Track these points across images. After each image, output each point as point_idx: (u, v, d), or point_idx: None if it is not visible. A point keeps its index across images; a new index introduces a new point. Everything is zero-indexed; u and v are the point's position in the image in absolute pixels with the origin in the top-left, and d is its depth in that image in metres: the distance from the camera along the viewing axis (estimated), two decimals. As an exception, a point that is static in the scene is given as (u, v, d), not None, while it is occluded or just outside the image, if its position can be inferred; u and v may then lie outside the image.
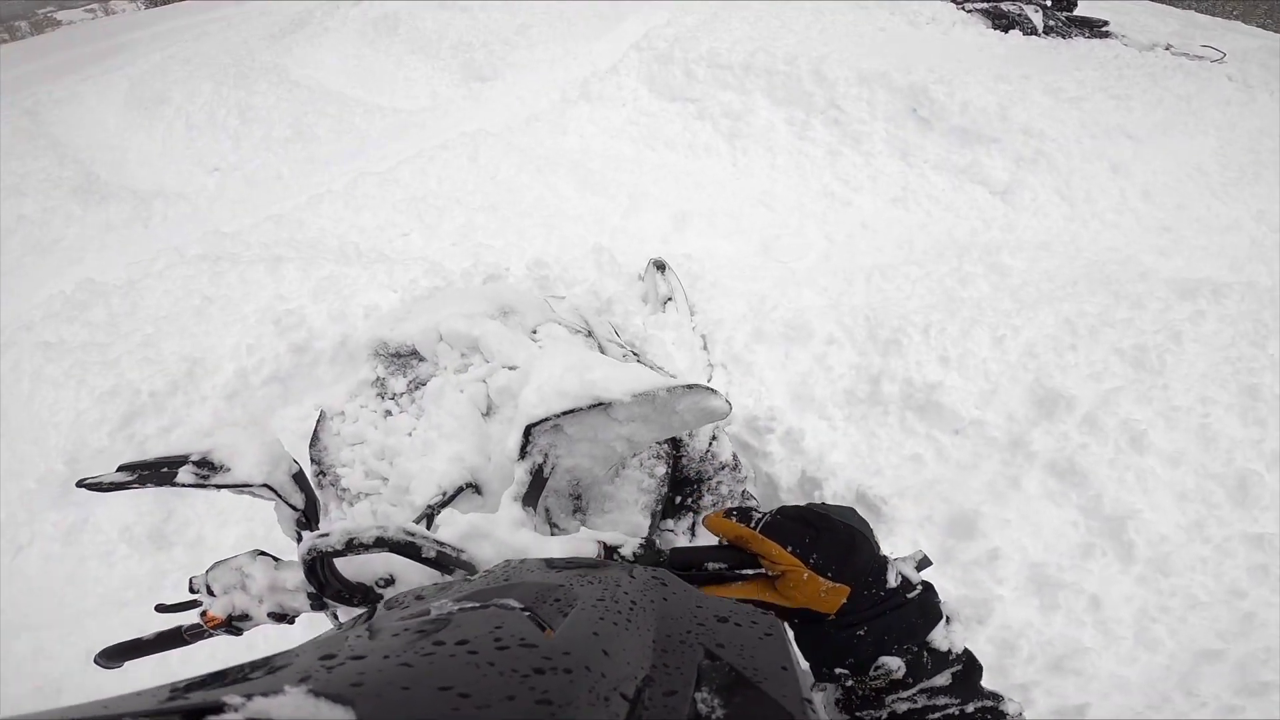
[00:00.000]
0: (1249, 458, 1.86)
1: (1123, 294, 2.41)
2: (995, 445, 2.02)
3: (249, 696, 0.23)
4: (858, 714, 0.61)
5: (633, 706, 0.31)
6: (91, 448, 2.54)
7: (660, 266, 2.74)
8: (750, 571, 0.63)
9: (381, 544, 0.61)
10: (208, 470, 0.74)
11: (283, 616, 0.86)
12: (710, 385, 0.68)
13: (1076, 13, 5.66)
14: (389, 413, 1.07)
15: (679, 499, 1.14)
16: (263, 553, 0.82)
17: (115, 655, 0.84)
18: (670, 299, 2.64)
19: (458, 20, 6.05)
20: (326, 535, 0.63)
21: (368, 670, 0.28)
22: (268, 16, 7.30)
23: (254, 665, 0.32)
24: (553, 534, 0.77)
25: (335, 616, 1.02)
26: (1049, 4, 5.59)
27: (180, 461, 0.75)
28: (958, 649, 0.60)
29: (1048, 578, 1.71)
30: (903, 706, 0.59)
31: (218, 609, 0.83)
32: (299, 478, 0.79)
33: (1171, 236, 3.32)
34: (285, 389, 2.62)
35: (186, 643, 0.86)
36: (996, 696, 0.60)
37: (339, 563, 0.71)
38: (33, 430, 2.66)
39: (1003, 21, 5.36)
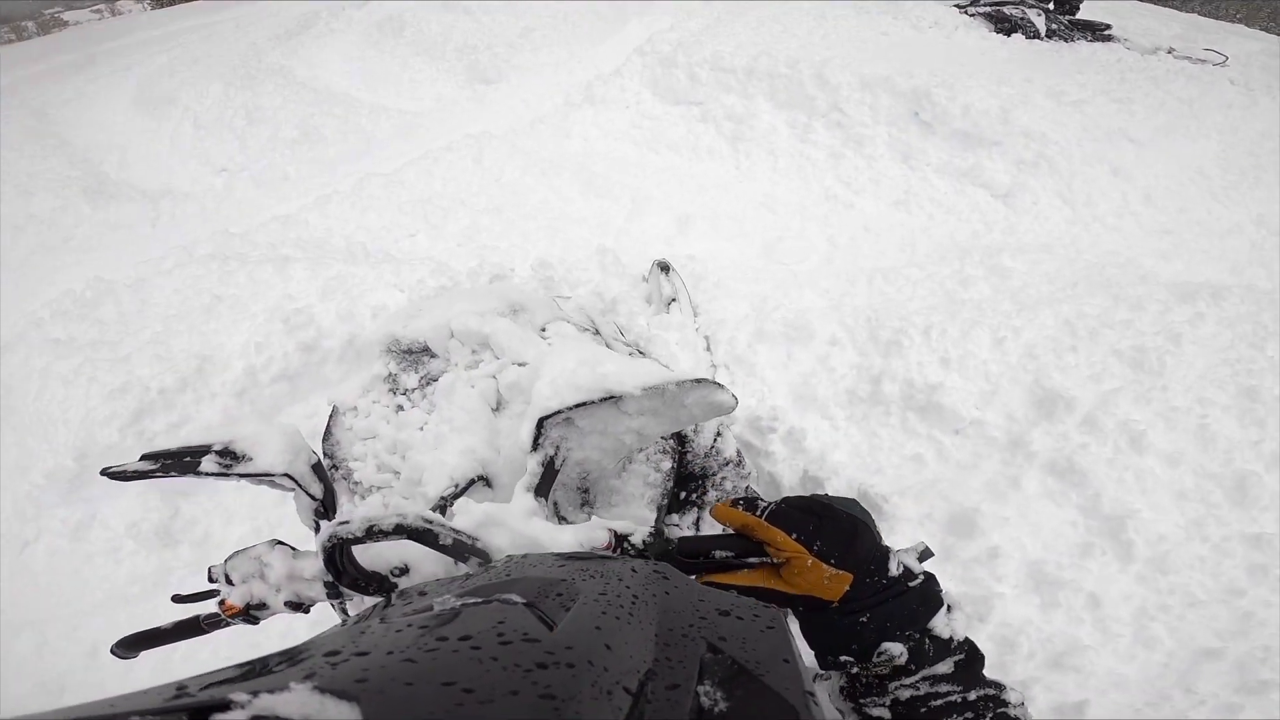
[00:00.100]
0: (1247, 458, 1.88)
1: (1123, 296, 2.43)
2: (995, 445, 2.04)
3: (254, 693, 0.23)
4: (861, 701, 0.62)
5: (636, 700, 0.31)
6: (101, 444, 2.56)
7: (664, 268, 2.76)
8: (755, 560, 0.65)
9: (400, 531, 0.63)
10: (230, 460, 0.76)
11: (299, 605, 0.87)
12: (716, 380, 0.70)
13: (1079, 16, 5.68)
14: (401, 408, 1.10)
15: (683, 494, 1.16)
16: (280, 542, 0.84)
17: (132, 645, 0.84)
18: (674, 300, 2.66)
19: (462, 23, 6.09)
20: (347, 523, 0.65)
21: (372, 666, 0.28)
22: (274, 18, 7.35)
23: (278, 657, 0.33)
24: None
25: (344, 611, 1.04)
26: (1051, 8, 5.61)
27: (203, 451, 0.77)
28: (959, 637, 0.62)
29: (1047, 575, 1.73)
30: (905, 694, 0.60)
31: (236, 598, 0.85)
32: (318, 468, 0.81)
33: (1172, 240, 3.34)
34: (293, 386, 2.65)
35: (204, 631, 0.88)
36: (998, 686, 0.61)
37: (355, 552, 0.73)
38: (41, 426, 2.68)
39: (1005, 25, 5.38)
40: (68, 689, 2.03)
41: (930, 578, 0.64)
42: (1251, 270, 3.09)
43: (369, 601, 0.80)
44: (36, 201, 4.47)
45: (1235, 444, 1.91)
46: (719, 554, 0.65)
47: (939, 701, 0.59)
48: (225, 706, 0.23)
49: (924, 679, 0.60)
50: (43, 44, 9.53)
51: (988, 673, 0.62)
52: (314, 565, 0.82)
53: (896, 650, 0.60)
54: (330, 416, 1.14)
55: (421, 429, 1.03)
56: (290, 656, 0.33)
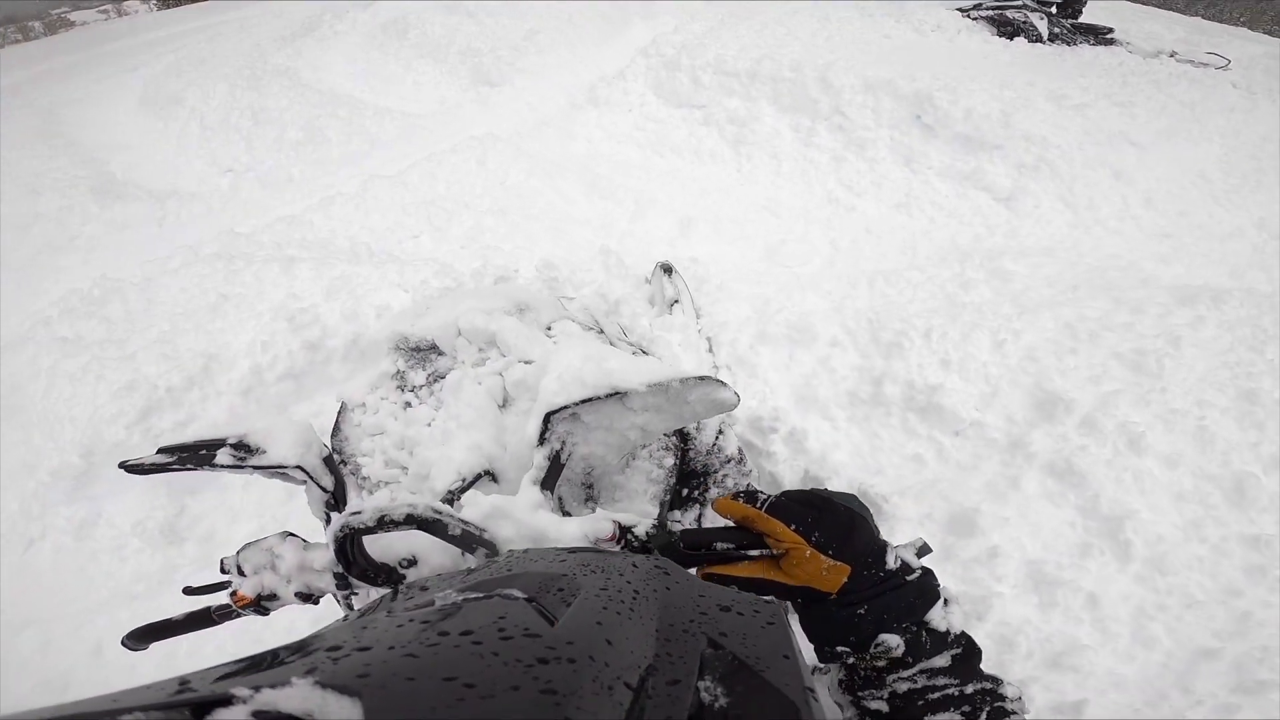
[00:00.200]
0: (1246, 460, 1.89)
1: (1123, 299, 2.45)
2: (995, 446, 2.06)
3: (256, 689, 0.23)
4: (859, 694, 0.63)
5: (636, 695, 0.31)
6: (108, 441, 2.57)
7: (667, 270, 2.78)
8: (756, 552, 0.67)
9: (411, 521, 0.65)
10: (244, 452, 0.78)
11: (309, 597, 0.88)
12: (719, 378, 0.72)
13: (1081, 20, 5.69)
14: (408, 404, 1.12)
15: (686, 491, 1.18)
16: (291, 534, 0.86)
17: (143, 636, 0.85)
18: (677, 302, 2.68)
19: (466, 25, 6.12)
20: (359, 513, 0.66)
21: (374, 661, 0.28)
22: (279, 19, 7.39)
23: (288, 649, 0.33)
24: None
25: (349, 605, 1.05)
26: (1054, 11, 5.62)
27: (218, 444, 0.79)
28: (955, 629, 0.62)
29: (1046, 575, 1.74)
30: (903, 686, 0.61)
31: (247, 589, 0.86)
32: (329, 461, 0.82)
33: (1173, 243, 3.35)
34: (298, 385, 2.67)
35: (215, 622, 0.89)
36: (996, 680, 0.61)
37: (365, 544, 0.75)
38: (48, 424, 2.70)
39: (1008, 29, 5.39)
40: (71, 686, 2.03)
41: (928, 572, 0.65)
42: (1252, 274, 3.10)
43: (374, 595, 0.81)
44: (44, 201, 4.50)
45: (1234, 446, 1.92)
46: (720, 546, 0.66)
47: (936, 694, 0.60)
48: (227, 701, 0.23)
49: (921, 672, 0.61)
50: (50, 44, 9.60)
51: (985, 670, 0.63)
52: (324, 557, 0.83)
53: (894, 642, 0.60)
54: (339, 413, 1.16)
55: (429, 425, 1.05)
56: (300, 648, 0.33)
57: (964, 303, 2.72)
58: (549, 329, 1.19)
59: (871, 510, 0.68)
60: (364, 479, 1.09)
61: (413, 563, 0.78)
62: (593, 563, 0.51)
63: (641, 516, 0.69)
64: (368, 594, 0.98)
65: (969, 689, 0.60)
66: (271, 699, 0.23)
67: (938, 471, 2.05)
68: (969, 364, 2.27)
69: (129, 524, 2.46)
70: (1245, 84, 4.65)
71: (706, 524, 1.15)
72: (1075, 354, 2.22)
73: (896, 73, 4.36)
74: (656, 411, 0.74)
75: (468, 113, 5.28)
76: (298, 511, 2.39)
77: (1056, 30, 5.41)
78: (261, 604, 0.87)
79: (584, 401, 0.72)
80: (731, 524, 0.67)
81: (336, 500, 0.84)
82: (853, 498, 0.67)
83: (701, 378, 0.71)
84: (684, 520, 1.14)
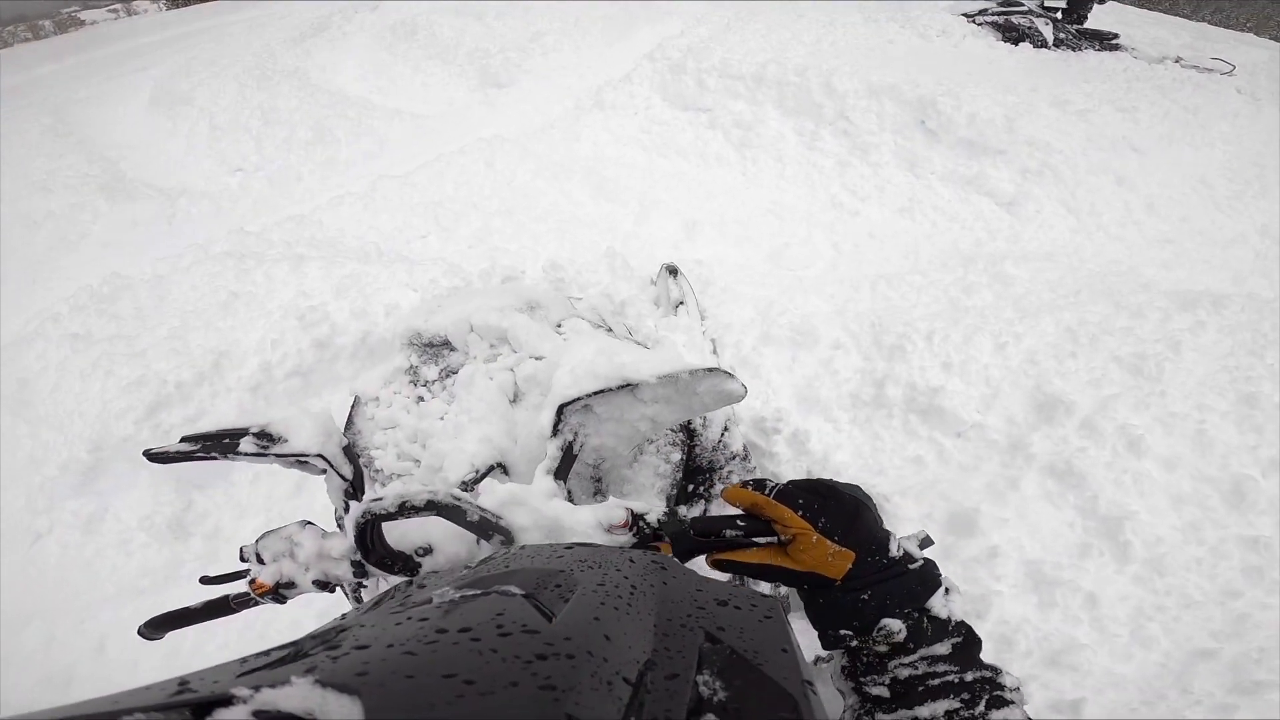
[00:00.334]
0: (1245, 463, 1.90)
1: (1124, 304, 2.47)
2: (995, 448, 2.08)
3: (256, 688, 0.24)
4: (862, 679, 0.65)
5: (635, 690, 0.32)
6: (117, 436, 2.60)
7: (672, 271, 2.80)
8: (763, 540, 0.69)
9: (432, 507, 0.67)
10: (267, 441, 0.80)
11: (326, 585, 0.90)
12: (727, 369, 0.74)
13: (1087, 25, 5.70)
14: (421, 399, 1.14)
15: (691, 487, 1.20)
16: (310, 523, 0.88)
17: (160, 625, 0.86)
18: (681, 303, 2.70)
19: (473, 27, 6.16)
20: (380, 499, 0.69)
21: (373, 660, 0.28)
22: (287, 20, 7.44)
23: (312, 640, 0.33)
24: None
25: (359, 599, 1.08)
26: (1059, 17, 5.64)
27: (241, 433, 0.81)
28: (956, 618, 0.64)
29: (1045, 575, 1.76)
30: (904, 672, 0.62)
31: (266, 576, 0.88)
32: (348, 450, 0.85)
33: (1174, 249, 3.37)
34: (306, 382, 2.70)
35: (233, 611, 0.90)
36: (995, 669, 0.62)
37: (383, 532, 0.77)
38: (57, 419, 2.72)
39: (1013, 34, 5.40)
40: (74, 682, 2.04)
41: (929, 562, 0.67)
42: (1254, 280, 3.12)
43: (384, 586, 0.83)
44: (55, 199, 4.54)
45: (1233, 449, 1.93)
46: (729, 533, 0.69)
47: (936, 681, 0.61)
48: (228, 701, 0.23)
49: (922, 658, 0.62)
50: (60, 43, 9.66)
51: (985, 661, 0.64)
52: (342, 545, 0.85)
53: (895, 627, 0.62)
54: (352, 406, 1.19)
55: (441, 419, 1.07)
56: (325, 638, 0.33)
57: (966, 306, 2.74)
58: (559, 326, 1.21)
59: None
60: (377, 471, 1.11)
61: (428, 551, 0.80)
62: (590, 558, 0.51)
63: (652, 505, 0.71)
64: (377, 586, 1.01)
65: (968, 677, 0.60)
66: (271, 698, 0.23)
67: (938, 472, 2.07)
68: (970, 367, 2.29)
69: (136, 519, 2.47)
70: (1250, 89, 4.66)
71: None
72: (1075, 357, 2.24)
73: (900, 78, 4.38)
74: (666, 403, 0.76)
75: (475, 114, 5.32)
76: (304, 507, 2.42)
77: (1061, 36, 5.42)
78: (280, 592, 0.88)
79: (596, 393, 0.75)
80: (740, 512, 0.69)
81: (355, 489, 0.86)
82: (857, 488, 0.69)
83: (710, 369, 0.73)
84: (689, 515, 1.16)
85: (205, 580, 0.95)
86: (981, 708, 0.59)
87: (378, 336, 2.69)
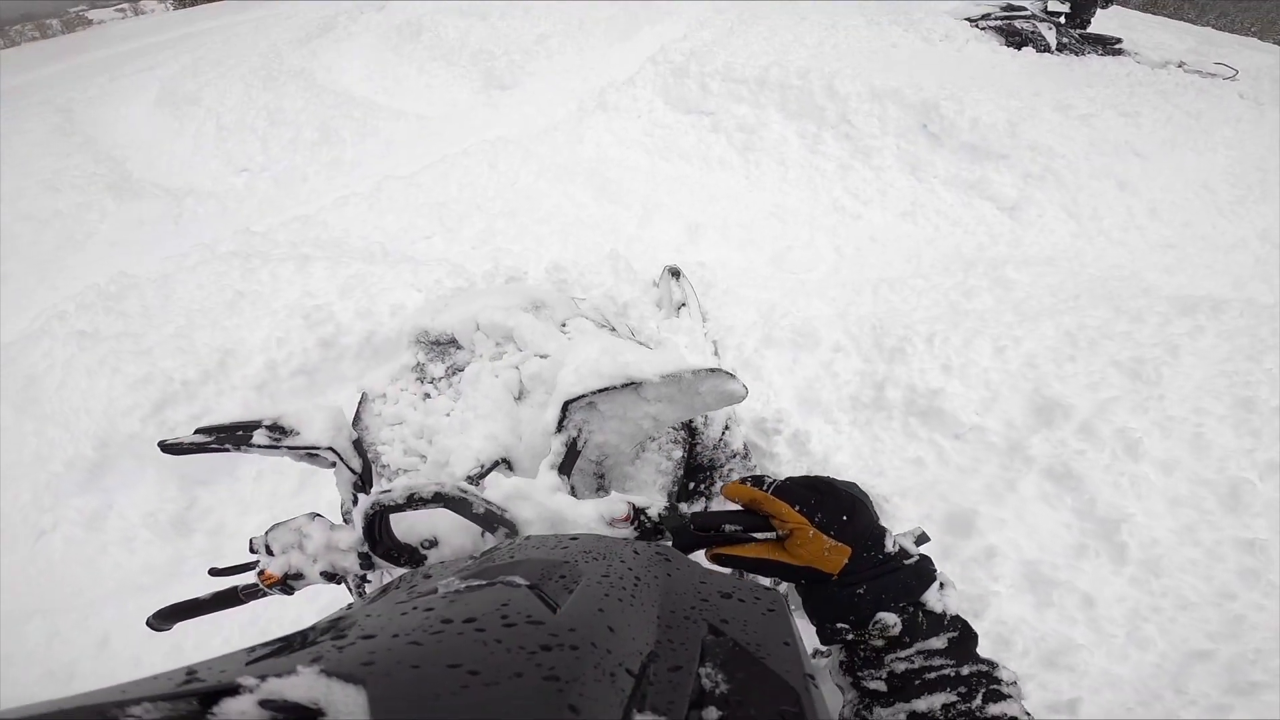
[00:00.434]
0: (1242, 466, 1.92)
1: (1123, 308, 2.48)
2: (994, 450, 2.09)
3: (263, 678, 0.24)
4: (859, 674, 0.65)
5: (638, 682, 0.32)
6: (123, 433, 2.61)
7: (675, 273, 2.82)
8: (762, 535, 0.70)
9: (439, 499, 0.69)
10: (279, 434, 0.82)
11: (333, 576, 0.92)
12: (729, 370, 0.76)
13: (1090, 30, 5.72)
14: (428, 396, 1.16)
15: (692, 485, 1.22)
16: (319, 515, 0.90)
17: (169, 616, 0.87)
18: (684, 305, 2.72)
19: (478, 28, 6.19)
20: (389, 490, 0.71)
21: (378, 649, 0.29)
22: (293, 20, 7.48)
23: (325, 626, 0.34)
24: None
25: (361, 593, 1.09)
26: (1063, 21, 5.65)
27: (254, 425, 0.83)
28: (951, 611, 0.65)
29: (1042, 576, 1.77)
30: (901, 666, 0.63)
31: (275, 568, 0.89)
32: (358, 444, 0.87)
33: (1176, 254, 3.38)
34: (311, 381, 2.72)
35: (242, 602, 0.91)
36: (991, 664, 0.63)
37: (389, 525, 0.79)
38: (63, 416, 2.73)
39: (1016, 39, 5.42)
40: (75, 678, 2.05)
41: (925, 558, 0.68)
42: (1254, 285, 3.13)
43: (387, 581, 0.85)
44: (62, 198, 4.58)
45: (1230, 452, 1.95)
46: (729, 528, 0.70)
47: (933, 675, 0.61)
48: (234, 690, 0.23)
49: (918, 653, 0.63)
50: (68, 42, 9.72)
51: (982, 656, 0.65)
52: (350, 537, 0.87)
53: (891, 620, 0.63)
54: (359, 403, 1.21)
55: (447, 415, 1.09)
56: (331, 628, 0.34)
57: (966, 310, 2.76)
58: (564, 326, 1.23)
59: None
60: (383, 467, 1.13)
61: (434, 544, 0.82)
62: (594, 549, 0.51)
63: (654, 499, 0.73)
64: (380, 580, 1.02)
65: (965, 670, 0.61)
66: (278, 688, 0.24)
67: (937, 474, 2.09)
68: (970, 370, 2.31)
69: (140, 516, 2.49)
70: (1253, 94, 4.67)
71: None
72: (1075, 361, 2.26)
73: (903, 82, 4.40)
74: (669, 402, 0.78)
75: (479, 116, 5.35)
76: (308, 504, 2.44)
77: (1065, 40, 5.43)
78: (288, 583, 0.89)
79: (600, 391, 0.77)
80: (739, 508, 0.71)
81: (363, 482, 0.88)
82: (854, 485, 0.71)
83: (712, 370, 0.75)
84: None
85: (214, 572, 0.97)
86: (978, 701, 0.59)
87: (382, 336, 2.71)
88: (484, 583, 0.39)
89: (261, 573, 0.90)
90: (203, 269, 3.20)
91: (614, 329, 1.38)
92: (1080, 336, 2.34)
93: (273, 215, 4.19)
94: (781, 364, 2.54)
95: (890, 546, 0.66)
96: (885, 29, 5.48)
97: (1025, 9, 5.57)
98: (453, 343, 1.22)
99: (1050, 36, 5.40)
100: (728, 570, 0.75)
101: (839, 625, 0.66)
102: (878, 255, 3.60)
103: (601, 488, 1.04)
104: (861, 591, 0.64)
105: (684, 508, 1.21)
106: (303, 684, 0.24)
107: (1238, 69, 5.01)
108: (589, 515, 0.71)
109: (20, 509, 2.52)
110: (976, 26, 5.55)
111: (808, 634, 0.77)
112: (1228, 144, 4.09)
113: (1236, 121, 4.28)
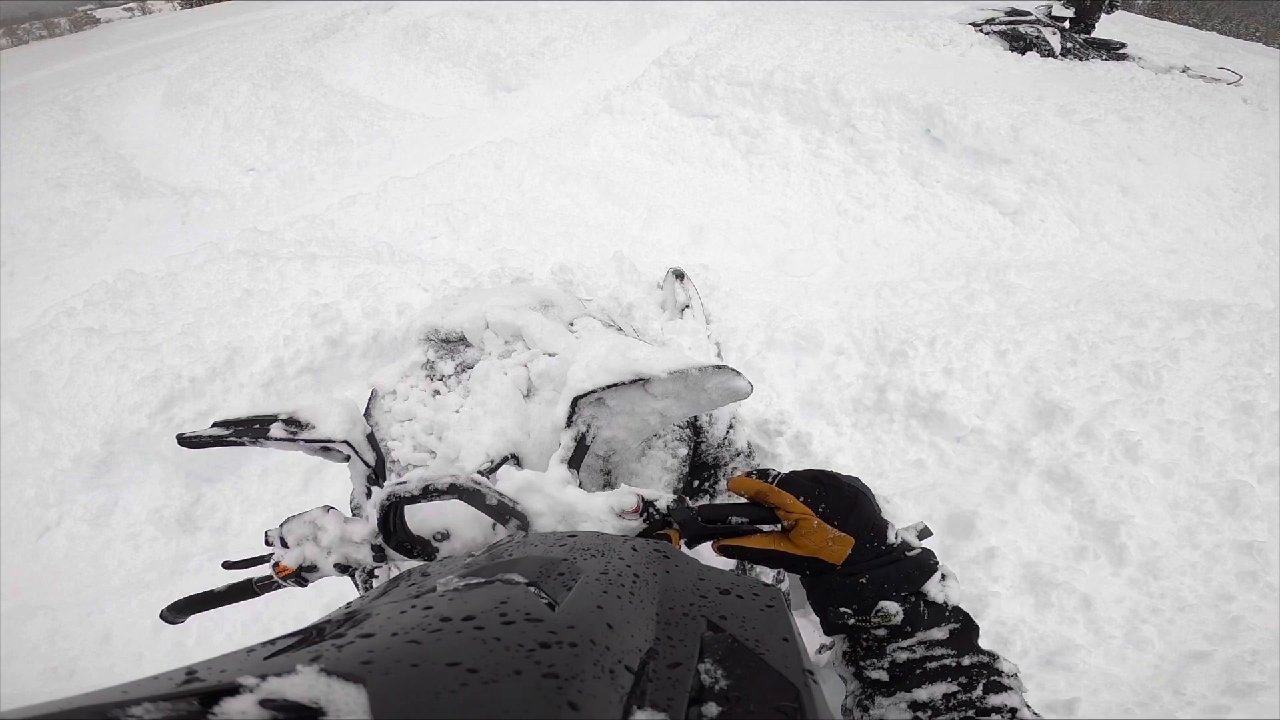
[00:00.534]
0: (1241, 470, 1.93)
1: (1125, 313, 2.50)
2: (995, 452, 2.11)
3: (263, 677, 0.24)
4: (862, 664, 0.66)
5: (638, 679, 0.32)
6: (130, 429, 2.63)
7: (679, 275, 2.84)
8: (767, 527, 0.72)
9: (453, 491, 0.70)
10: (295, 427, 0.84)
11: (346, 568, 0.94)
12: (735, 368, 0.78)
13: (1094, 35, 5.73)
14: (437, 392, 1.18)
15: (696, 483, 1.24)
16: (332, 508, 0.92)
17: (183, 609, 0.88)
18: (688, 307, 2.74)
19: (485, 30, 6.22)
20: (404, 482, 0.72)
21: (377, 648, 0.29)
22: (300, 20, 7.52)
23: (337, 621, 0.34)
24: None
25: (368, 586, 1.11)
26: (1067, 26, 5.67)
27: (271, 419, 0.85)
28: (952, 602, 0.66)
29: (1041, 577, 1.79)
30: (902, 656, 0.64)
31: (290, 560, 0.91)
32: (371, 438, 0.89)
33: (1178, 259, 3.39)
34: (317, 379, 2.74)
35: (256, 594, 0.92)
36: (993, 655, 0.63)
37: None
38: (70, 412, 2.75)
39: (1020, 43, 5.43)
40: (77, 674, 2.06)
41: (927, 550, 0.69)
42: (1255, 290, 3.14)
43: (402, 570, 0.87)
44: (70, 196, 4.61)
45: (1229, 456, 1.96)
46: (735, 519, 0.72)
47: (934, 665, 0.62)
48: (234, 690, 0.23)
49: (920, 642, 0.63)
50: (75, 41, 9.77)
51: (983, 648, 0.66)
52: (363, 529, 0.89)
53: (893, 609, 0.64)
54: (369, 399, 1.23)
55: (457, 412, 1.11)
56: (333, 626, 0.34)
57: (968, 314, 2.77)
58: (571, 325, 1.25)
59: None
60: (394, 462, 1.15)
61: (446, 536, 0.84)
62: (593, 547, 0.51)
63: (662, 492, 0.75)
64: (389, 573, 1.04)
65: (966, 661, 0.62)
66: (278, 687, 0.24)
67: (938, 475, 2.10)
68: (971, 373, 2.32)
69: (145, 512, 2.51)
70: (1256, 99, 4.68)
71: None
72: (1075, 365, 2.28)
73: (907, 86, 4.42)
74: (676, 398, 0.80)
75: (485, 117, 5.38)
76: (313, 501, 2.45)
77: (1069, 45, 5.45)
78: (302, 575, 0.91)
79: (609, 386, 0.79)
80: (745, 501, 0.73)
81: (377, 475, 0.90)
82: (856, 479, 0.73)
83: (719, 366, 0.77)
84: (694, 510, 1.19)
85: (228, 565, 0.98)
86: (979, 691, 0.60)
87: (389, 335, 2.73)
88: (482, 580, 0.40)
89: (276, 565, 0.91)
90: (210, 267, 3.23)
91: (620, 329, 1.40)
92: (1081, 341, 2.35)
93: (280, 214, 4.22)
94: (784, 366, 2.56)
95: (892, 538, 0.68)
96: (890, 34, 5.49)
97: (1030, 14, 5.59)
98: (462, 340, 1.24)
99: (1054, 41, 5.41)
100: (729, 565, 0.77)
101: (842, 610, 0.67)
102: (880, 259, 3.62)
103: (608, 484, 1.06)
104: (864, 581, 0.66)
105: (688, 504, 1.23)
106: (302, 683, 0.24)
107: (1242, 74, 5.03)
108: (599, 507, 0.73)
109: (25, 504, 2.54)
110: (981, 31, 5.57)
111: (808, 632, 0.79)
112: (1231, 149, 4.10)
113: (1240, 127, 4.29)
